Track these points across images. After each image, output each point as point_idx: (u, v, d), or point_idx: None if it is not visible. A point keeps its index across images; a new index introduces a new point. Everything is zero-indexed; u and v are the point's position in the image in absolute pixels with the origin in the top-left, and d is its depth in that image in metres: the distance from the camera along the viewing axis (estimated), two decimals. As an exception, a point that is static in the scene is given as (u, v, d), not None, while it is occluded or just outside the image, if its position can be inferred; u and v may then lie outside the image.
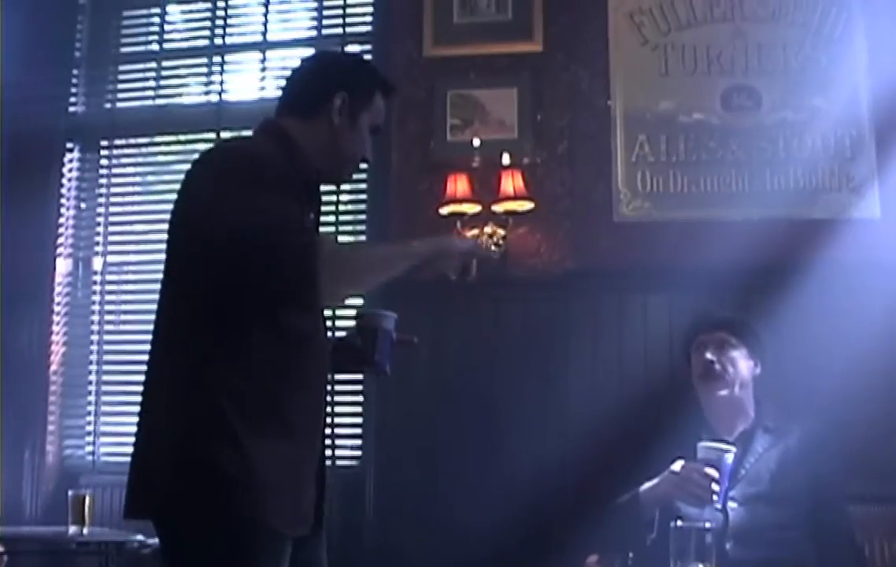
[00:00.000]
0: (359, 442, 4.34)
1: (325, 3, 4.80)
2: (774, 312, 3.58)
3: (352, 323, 2.46)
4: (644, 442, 3.12)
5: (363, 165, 2.39)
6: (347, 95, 2.26)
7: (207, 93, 4.90)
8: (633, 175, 4.16)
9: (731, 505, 2.92)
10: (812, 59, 4.16)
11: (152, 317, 2.20)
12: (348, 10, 4.77)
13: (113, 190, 4.89)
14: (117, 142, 4.94)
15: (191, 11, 5.02)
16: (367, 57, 4.48)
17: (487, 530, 3.84)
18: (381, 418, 4.20)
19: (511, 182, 4.07)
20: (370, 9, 4.72)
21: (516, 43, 4.38)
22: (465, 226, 4.11)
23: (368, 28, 4.72)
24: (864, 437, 3.51)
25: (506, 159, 4.12)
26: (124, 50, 5.03)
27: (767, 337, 3.24)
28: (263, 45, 4.88)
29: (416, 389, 4.04)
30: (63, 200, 4.80)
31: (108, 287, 4.80)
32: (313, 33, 4.83)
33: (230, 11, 4.92)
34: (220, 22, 4.91)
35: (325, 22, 4.80)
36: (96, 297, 4.78)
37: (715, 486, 2.72)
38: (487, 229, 4.10)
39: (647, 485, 2.94)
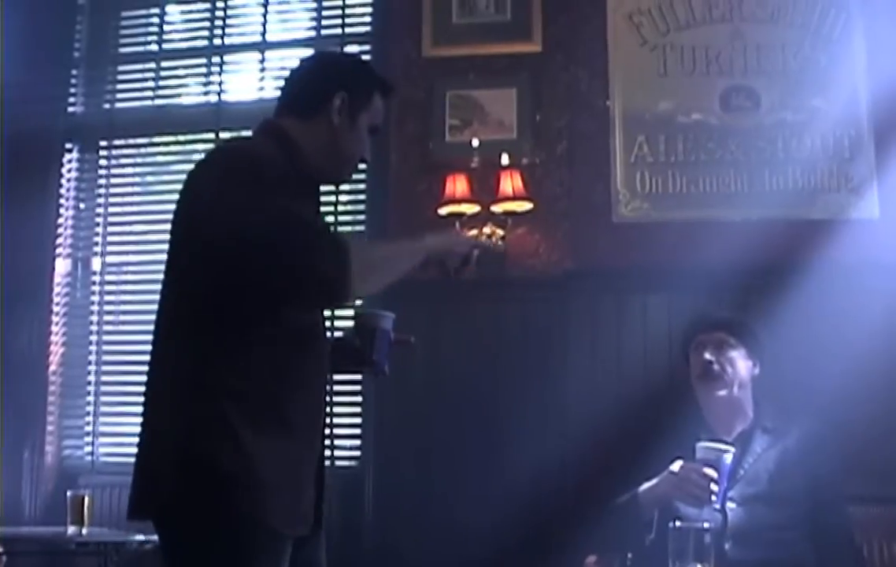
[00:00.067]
0: (357, 442, 4.34)
1: (324, 4, 4.80)
2: (773, 313, 3.59)
3: (349, 323, 2.46)
4: (643, 442, 3.12)
5: (362, 166, 2.40)
6: (347, 96, 2.27)
7: (206, 93, 4.90)
8: (632, 175, 4.16)
9: (730, 505, 2.92)
10: (811, 60, 4.16)
11: (151, 317, 2.21)
12: (347, 11, 4.77)
13: (112, 190, 4.89)
14: (116, 142, 4.94)
15: (190, 12, 5.02)
16: (366, 57, 4.49)
17: (486, 530, 3.85)
18: (380, 418, 4.20)
19: (510, 182, 4.08)
20: (369, 9, 4.73)
21: (515, 43, 4.38)
22: (464, 226, 4.11)
23: (367, 28, 4.72)
24: (862, 438, 3.51)
25: (505, 160, 4.12)
26: (123, 50, 5.03)
27: (766, 337, 3.24)
28: (262, 46, 4.88)
29: (415, 389, 4.04)
30: (62, 201, 4.80)
31: (107, 287, 4.80)
32: (312, 34, 4.84)
33: (229, 12, 4.92)
34: (219, 22, 4.91)
35: (324, 22, 4.80)
36: (95, 298, 4.78)
37: (714, 487, 2.72)
38: (486, 230, 4.10)
39: (645, 485, 2.94)
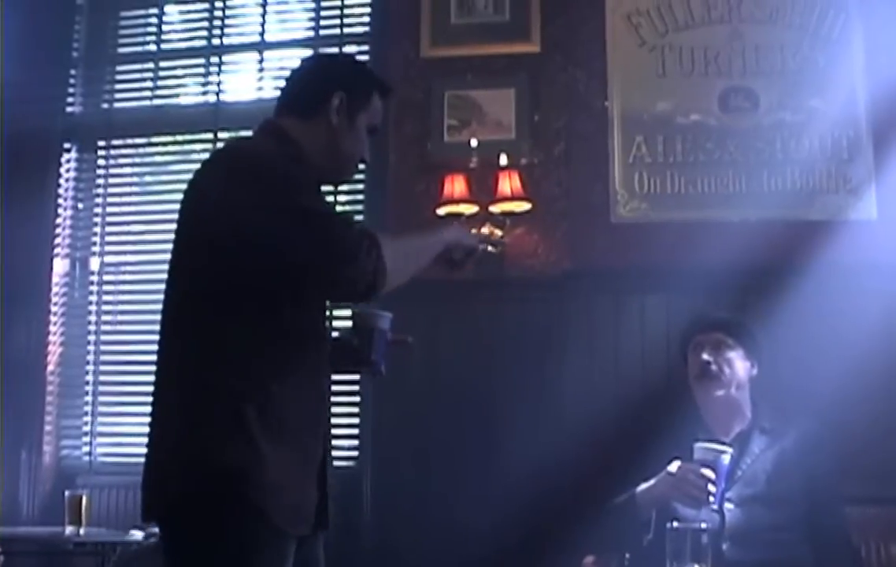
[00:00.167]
0: (355, 442, 4.34)
1: (323, 4, 4.80)
2: (771, 313, 3.59)
3: (347, 323, 2.46)
4: (641, 442, 3.12)
5: (361, 166, 2.41)
6: (345, 96, 2.29)
7: (205, 93, 4.90)
8: (631, 176, 4.16)
9: (728, 506, 2.92)
10: (809, 61, 4.16)
11: (150, 317, 2.22)
12: (346, 11, 4.78)
13: (110, 190, 4.89)
14: (115, 142, 4.93)
15: (188, 12, 5.01)
16: (365, 57, 4.51)
17: (485, 530, 3.85)
18: (378, 418, 4.20)
19: (508, 183, 4.07)
20: (367, 9, 4.72)
21: (514, 44, 4.38)
22: (464, 226, 4.11)
23: (366, 29, 4.72)
24: (860, 439, 3.51)
25: (503, 160, 4.12)
26: (122, 50, 5.03)
27: (764, 338, 3.24)
28: (261, 46, 4.87)
29: (413, 389, 4.03)
30: (60, 200, 4.80)
31: (106, 287, 4.80)
32: (311, 34, 4.84)
33: (228, 12, 4.92)
34: (217, 22, 4.91)
35: (322, 22, 4.80)
36: (93, 298, 4.78)
37: (711, 487, 2.72)
38: (485, 230, 4.10)
39: (643, 485, 2.94)
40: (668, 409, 3.28)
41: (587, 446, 3.72)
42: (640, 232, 4.11)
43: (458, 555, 3.82)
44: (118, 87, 4.98)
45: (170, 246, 2.22)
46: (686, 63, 4.23)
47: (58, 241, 4.76)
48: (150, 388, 2.17)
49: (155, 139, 4.94)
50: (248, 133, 2.39)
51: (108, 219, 4.85)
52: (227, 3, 4.91)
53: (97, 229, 4.84)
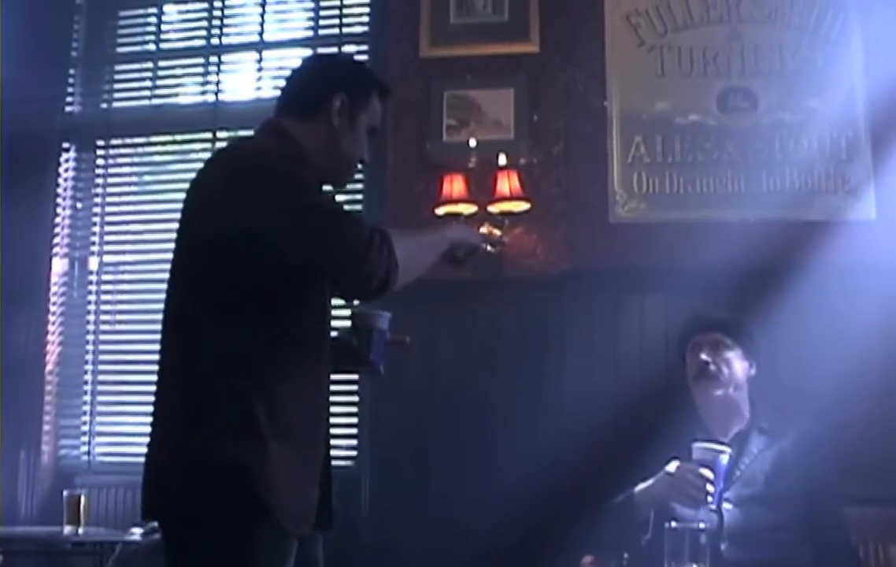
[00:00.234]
0: (354, 442, 4.34)
1: (322, 4, 4.80)
2: (770, 314, 3.59)
3: (345, 323, 2.46)
4: (639, 442, 3.12)
5: (359, 166, 2.41)
6: (346, 97, 2.30)
7: (204, 93, 4.90)
8: (629, 176, 4.16)
9: (726, 506, 2.92)
10: (808, 61, 4.16)
11: (148, 317, 2.23)
12: (345, 11, 4.78)
13: (109, 190, 4.88)
14: (113, 141, 4.93)
15: (187, 11, 5.01)
16: (364, 57, 4.52)
17: (483, 529, 3.85)
18: (377, 418, 4.20)
19: (507, 183, 4.08)
20: (367, 9, 4.72)
21: (513, 44, 4.38)
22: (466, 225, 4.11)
23: (365, 28, 4.72)
24: (859, 439, 3.51)
25: (502, 160, 4.12)
26: (121, 50, 5.02)
27: (762, 338, 3.24)
28: (260, 46, 4.87)
29: (412, 389, 4.04)
30: (59, 200, 4.79)
31: (104, 287, 4.80)
32: (310, 34, 4.84)
33: (227, 11, 4.92)
34: (216, 22, 4.91)
35: (321, 22, 4.80)
36: (92, 297, 4.77)
37: (709, 487, 2.73)
38: (483, 230, 4.09)
39: (641, 485, 2.95)
40: (667, 409, 3.28)
41: (586, 446, 3.73)
42: (638, 232, 4.11)
43: (457, 554, 3.82)
44: (117, 86, 4.97)
45: (169, 245, 2.22)
46: (685, 63, 4.23)
47: (57, 240, 4.76)
48: (150, 388, 2.17)
49: (154, 139, 4.93)
50: (248, 133, 2.39)
51: (107, 218, 4.85)
52: (226, 3, 4.91)
53: (96, 229, 4.83)
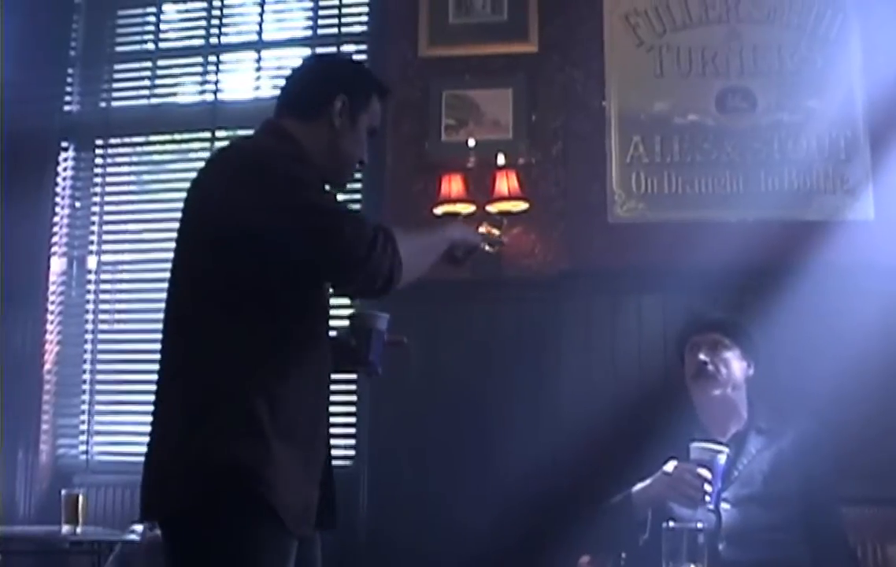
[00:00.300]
0: (352, 441, 4.33)
1: (321, 3, 4.80)
2: (768, 314, 3.59)
3: (343, 323, 2.46)
4: (637, 442, 3.12)
5: (358, 167, 2.41)
6: (347, 98, 2.31)
7: (202, 92, 4.90)
8: (628, 176, 4.16)
9: (724, 506, 2.92)
10: (807, 61, 4.16)
11: (147, 316, 2.23)
12: (344, 11, 4.77)
13: (108, 189, 4.88)
14: (112, 141, 4.92)
15: (186, 11, 5.02)
16: (363, 57, 4.52)
17: (481, 529, 3.85)
18: (375, 417, 4.20)
19: (506, 182, 4.08)
20: (366, 9, 4.72)
21: (511, 43, 4.38)
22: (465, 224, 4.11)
23: (364, 28, 4.72)
24: (857, 439, 3.51)
25: (500, 160, 4.13)
26: (119, 49, 5.01)
27: (761, 338, 3.24)
28: (259, 45, 4.87)
29: (410, 389, 4.03)
30: (58, 199, 4.79)
31: (103, 286, 4.79)
32: (308, 33, 4.84)
33: (226, 11, 4.91)
34: (215, 21, 4.90)
35: (320, 22, 4.80)
36: (91, 296, 4.77)
37: (707, 487, 2.73)
38: (482, 229, 4.08)
39: (639, 485, 2.95)
40: (665, 409, 3.29)
41: (584, 446, 3.73)
42: (637, 232, 4.11)
43: (455, 554, 3.82)
44: (116, 85, 4.97)
45: (168, 245, 2.22)
46: (683, 63, 4.23)
47: (55, 239, 4.75)
48: (148, 387, 2.17)
49: (152, 138, 4.93)
50: (247, 132, 2.39)
51: (106, 217, 4.84)
52: (225, 3, 4.91)
53: (94, 228, 4.82)
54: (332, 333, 2.33)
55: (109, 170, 4.92)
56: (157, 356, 2.17)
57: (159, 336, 2.18)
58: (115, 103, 4.96)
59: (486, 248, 2.62)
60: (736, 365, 3.13)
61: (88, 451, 4.61)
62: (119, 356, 4.69)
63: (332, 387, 2.30)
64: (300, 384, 2.10)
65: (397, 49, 4.46)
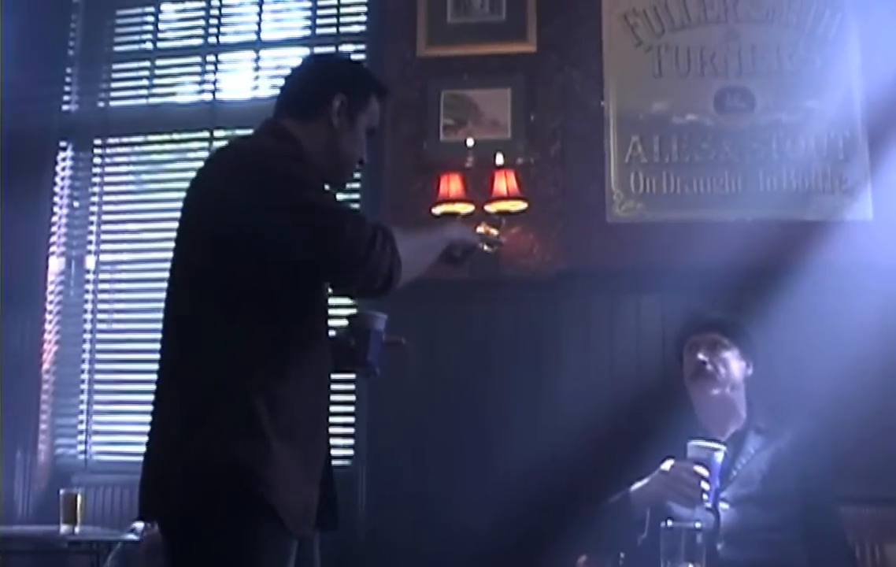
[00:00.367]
0: (351, 441, 4.33)
1: (319, 3, 4.80)
2: (767, 314, 3.59)
3: (342, 323, 2.46)
4: (636, 442, 3.12)
5: (357, 166, 2.42)
6: (346, 98, 2.31)
7: (201, 92, 4.90)
8: (626, 176, 4.16)
9: (723, 506, 2.92)
10: (805, 61, 4.16)
11: (145, 315, 2.23)
12: (342, 10, 4.77)
13: (106, 189, 4.88)
14: (111, 141, 4.93)
15: (185, 10, 5.01)
16: (361, 57, 4.52)
17: (480, 528, 3.85)
18: (374, 417, 4.20)
19: (504, 182, 4.08)
20: (364, 9, 4.72)
21: (510, 43, 4.38)
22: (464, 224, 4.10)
23: (362, 28, 4.72)
24: (856, 439, 3.50)
25: (499, 159, 4.13)
26: (118, 48, 5.02)
27: (759, 338, 3.24)
28: (257, 45, 4.87)
29: (409, 388, 4.03)
30: (56, 199, 4.79)
31: (101, 286, 4.79)
32: (307, 33, 4.84)
33: (224, 10, 4.91)
34: (213, 21, 4.91)
35: (318, 22, 4.80)
36: (89, 296, 4.77)
37: (704, 485, 2.72)
38: (480, 229, 4.09)
39: (637, 484, 2.94)
40: (664, 409, 3.29)
41: (583, 445, 3.73)
42: (635, 232, 4.12)
43: (454, 554, 3.81)
44: (114, 85, 4.97)
45: (166, 244, 2.22)
46: (682, 63, 4.23)
47: (53, 239, 4.76)
48: (147, 387, 2.17)
49: (151, 138, 4.93)
50: (245, 132, 2.39)
51: (104, 217, 4.84)
52: (224, 2, 4.91)
53: (93, 228, 4.83)
54: (331, 334, 2.33)
55: (108, 169, 4.92)
56: (156, 356, 2.16)
57: (158, 336, 2.18)
58: (113, 103, 4.96)
59: (485, 248, 2.61)
60: (735, 365, 3.13)
61: (87, 451, 4.62)
62: (118, 356, 4.69)
63: (332, 387, 2.29)
64: (300, 384, 2.10)
65: (396, 49, 4.46)
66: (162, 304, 2.19)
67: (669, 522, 2.42)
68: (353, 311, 2.50)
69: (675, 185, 4.13)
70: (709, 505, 2.79)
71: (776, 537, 2.90)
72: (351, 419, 4.34)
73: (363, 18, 4.72)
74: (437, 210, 4.13)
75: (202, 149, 4.73)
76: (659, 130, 4.18)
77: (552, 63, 4.33)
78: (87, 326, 4.74)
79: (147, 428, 2.13)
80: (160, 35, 5.01)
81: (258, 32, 4.88)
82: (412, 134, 4.37)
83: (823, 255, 3.83)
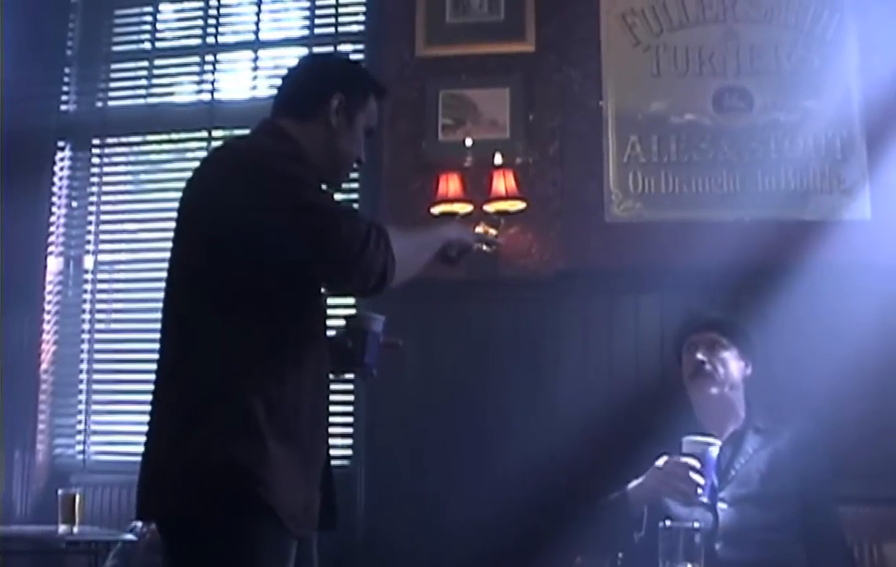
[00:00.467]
0: (350, 441, 4.33)
1: (318, 3, 4.80)
2: (765, 313, 3.59)
3: (340, 324, 2.46)
4: (634, 442, 3.12)
5: (355, 166, 2.41)
6: (344, 97, 2.31)
7: (199, 92, 4.90)
8: (625, 175, 4.16)
9: (721, 506, 2.92)
10: (804, 61, 4.16)
11: (144, 315, 2.22)
12: (341, 10, 4.77)
13: (104, 188, 4.88)
14: (109, 140, 4.92)
15: (183, 10, 5.01)
16: (360, 57, 4.52)
17: (478, 528, 3.84)
18: (372, 417, 4.20)
19: (503, 182, 4.08)
20: (362, 8, 4.72)
21: (508, 43, 4.38)
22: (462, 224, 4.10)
23: (361, 28, 4.72)
24: (854, 438, 3.51)
25: (498, 159, 4.12)
26: (116, 48, 5.01)
27: (758, 338, 3.24)
28: (255, 45, 4.87)
29: (407, 388, 4.04)
30: (54, 199, 4.79)
31: (100, 286, 4.79)
32: (305, 33, 4.83)
33: (222, 10, 4.91)
34: (212, 21, 4.90)
35: (317, 21, 4.80)
36: (87, 296, 4.77)
37: (698, 479, 2.71)
38: (479, 229, 4.09)
39: (634, 482, 2.94)
40: (662, 409, 3.29)
41: (581, 445, 3.73)
42: (634, 231, 4.12)
43: (452, 554, 3.81)
44: (112, 85, 4.97)
45: (165, 244, 2.22)
46: (680, 63, 4.23)
47: (52, 239, 4.76)
48: (145, 387, 2.17)
49: (149, 137, 4.93)
50: (243, 131, 2.39)
51: (103, 217, 4.85)
52: (222, 2, 4.91)
53: (91, 228, 4.82)
54: (329, 335, 2.33)
55: (106, 169, 4.91)
56: (154, 356, 2.16)
57: (156, 336, 2.17)
58: (111, 103, 4.96)
59: (484, 247, 2.61)
60: (733, 364, 3.13)
61: (85, 451, 4.62)
62: (116, 356, 4.69)
63: (330, 387, 2.29)
64: (298, 384, 2.09)
65: (394, 49, 4.46)
66: (160, 304, 2.19)
67: (668, 522, 2.42)
68: (351, 312, 2.50)
69: (674, 185, 4.13)
70: (705, 499, 2.78)
71: (774, 537, 2.90)
72: (349, 419, 4.34)
73: (362, 18, 4.72)
74: (436, 210, 4.12)
75: (200, 149, 4.73)
76: (657, 130, 4.18)
77: (551, 63, 4.33)
78: (86, 326, 4.74)
79: (145, 428, 2.13)
80: (158, 35, 5.00)
81: (256, 32, 4.87)
82: (411, 134, 4.37)
83: (822, 254, 3.83)
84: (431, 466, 4.06)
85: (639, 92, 4.23)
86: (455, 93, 4.35)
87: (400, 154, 4.36)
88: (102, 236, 4.82)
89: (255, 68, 4.87)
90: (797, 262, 3.79)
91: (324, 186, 2.28)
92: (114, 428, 4.63)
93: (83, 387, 4.68)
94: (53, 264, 4.75)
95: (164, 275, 2.19)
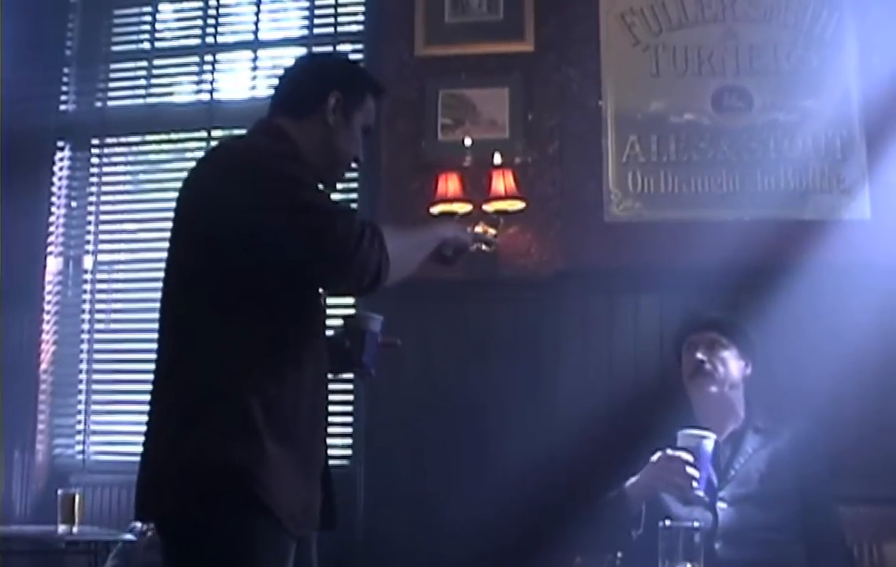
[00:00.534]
0: (349, 441, 4.33)
1: (317, 3, 4.80)
2: (765, 313, 3.59)
3: (338, 324, 2.46)
4: (634, 442, 3.12)
5: (354, 165, 2.41)
6: (341, 96, 2.30)
7: (198, 91, 4.90)
8: (624, 175, 4.16)
9: (721, 505, 2.92)
10: (803, 61, 4.16)
11: (143, 315, 2.22)
12: (340, 10, 4.77)
13: (104, 188, 4.88)
14: (108, 140, 4.92)
15: (182, 10, 5.01)
16: (359, 56, 4.52)
17: (477, 528, 3.84)
18: (371, 417, 4.20)
19: (502, 181, 4.07)
20: (362, 8, 4.72)
21: (508, 43, 4.38)
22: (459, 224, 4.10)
23: (360, 27, 4.72)
24: (854, 438, 3.51)
25: (497, 159, 4.12)
26: (115, 48, 5.01)
27: (758, 337, 3.24)
28: (255, 44, 4.87)
29: (407, 388, 4.04)
30: (54, 199, 4.79)
31: (99, 286, 4.79)
32: (304, 33, 4.83)
33: (221, 10, 4.91)
34: (211, 21, 4.90)
35: (316, 21, 4.79)
36: (87, 296, 4.77)
37: (693, 471, 2.71)
38: (478, 229, 4.09)
39: (632, 480, 2.94)
40: (662, 408, 3.29)
41: (581, 445, 3.73)
42: (633, 231, 4.12)
43: (452, 553, 3.82)
44: (112, 85, 4.97)
45: (163, 244, 2.21)
46: (680, 62, 4.23)
47: (51, 239, 4.76)
48: (145, 387, 2.17)
49: (149, 137, 4.93)
50: (242, 131, 2.39)
51: (102, 217, 4.85)
52: (221, 2, 4.91)
53: (91, 228, 4.82)
54: (327, 334, 2.32)
55: (105, 169, 4.91)
56: (153, 356, 2.16)
57: (155, 336, 2.17)
58: (111, 103, 4.95)
59: (483, 247, 2.61)
60: (733, 364, 3.13)
61: (85, 451, 4.62)
62: (115, 356, 4.69)
63: (329, 387, 2.29)
64: (296, 384, 2.09)
65: (393, 48, 4.46)
66: (159, 305, 2.19)
67: (667, 521, 2.42)
68: (349, 312, 2.50)
69: (673, 185, 4.13)
70: (700, 493, 2.78)
71: (774, 537, 2.90)
72: (349, 419, 4.34)
73: (361, 18, 4.72)
74: (435, 209, 4.12)
75: (200, 149, 4.73)
76: (657, 130, 4.18)
77: (550, 62, 4.33)
78: (85, 326, 4.74)
79: (144, 428, 2.12)
80: (157, 35, 5.00)
81: (255, 32, 4.87)
82: (410, 133, 4.37)
83: (821, 254, 3.83)
84: (431, 466, 4.06)
85: (638, 92, 4.23)
86: (454, 92, 4.35)
87: (399, 154, 4.36)
88: (102, 236, 4.82)
89: (255, 68, 4.87)
90: (797, 261, 3.79)
91: (321, 185, 2.28)
92: (113, 428, 4.63)
93: (83, 387, 4.68)
94: (53, 264, 4.75)
95: (163, 275, 2.19)
